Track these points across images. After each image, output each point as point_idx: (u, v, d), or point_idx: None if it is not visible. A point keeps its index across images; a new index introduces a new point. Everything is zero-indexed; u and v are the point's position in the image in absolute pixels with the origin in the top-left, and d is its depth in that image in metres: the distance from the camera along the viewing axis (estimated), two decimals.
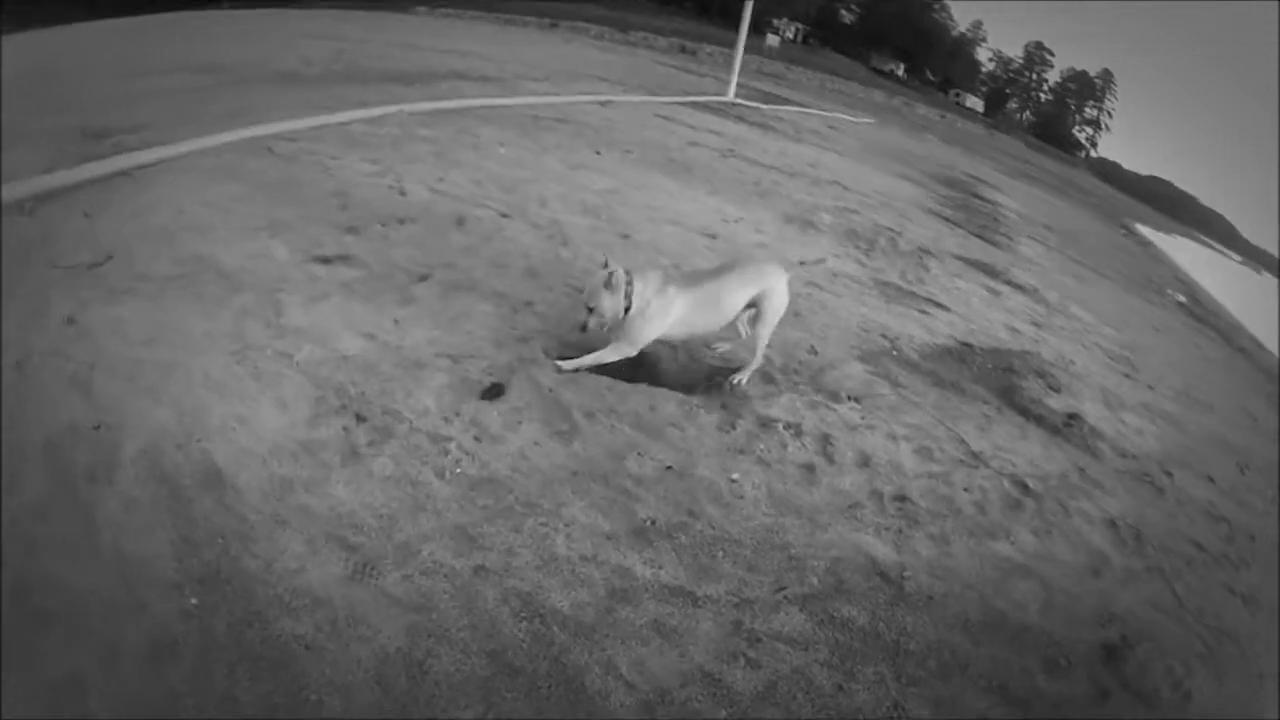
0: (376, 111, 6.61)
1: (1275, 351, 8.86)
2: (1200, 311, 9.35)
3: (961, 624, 2.62)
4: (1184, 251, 12.25)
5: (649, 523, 2.70)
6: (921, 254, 7.12)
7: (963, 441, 3.83)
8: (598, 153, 7.25)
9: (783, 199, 7.69)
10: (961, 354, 5.05)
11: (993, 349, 5.32)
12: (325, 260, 3.85)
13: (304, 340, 3.14)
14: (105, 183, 4.31)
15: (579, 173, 6.45)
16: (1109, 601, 2.92)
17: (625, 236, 5.30)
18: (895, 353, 4.68)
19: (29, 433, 2.40)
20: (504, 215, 5.06)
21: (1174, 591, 3.19)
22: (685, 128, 9.43)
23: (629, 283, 3.27)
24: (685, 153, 8.27)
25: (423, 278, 3.93)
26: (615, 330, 3.38)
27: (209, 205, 4.20)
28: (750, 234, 6.23)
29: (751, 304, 3.61)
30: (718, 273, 3.55)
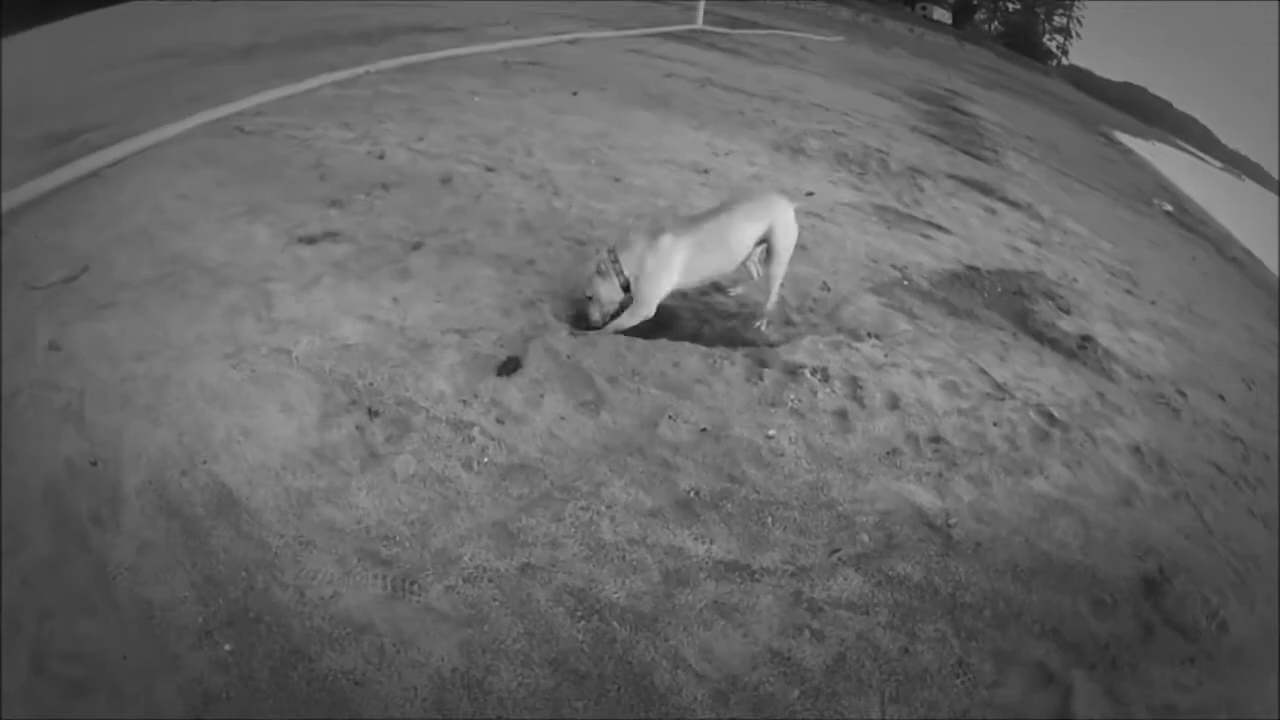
0: (343, 74, 6.20)
1: (1267, 261, 8.81)
2: (1189, 221, 9.25)
3: (1011, 570, 2.55)
4: (1163, 158, 12.05)
5: (693, 494, 2.56)
6: (914, 174, 6.90)
7: (985, 372, 3.71)
8: (575, 94, 6.87)
9: (768, 126, 7.38)
10: (970, 279, 4.92)
11: (999, 271, 5.19)
12: (311, 240, 3.58)
13: (300, 332, 2.90)
14: (76, 188, 3.97)
15: (560, 117, 6.10)
16: (1143, 532, 2.88)
17: (617, 180, 5.03)
18: (906, 282, 4.54)
19: (26, 478, 2.19)
20: (490, 169, 4.76)
21: (1203, 519, 3.13)
22: (658, 59, 9.00)
23: (614, 261, 3.12)
24: (662, 86, 7.89)
25: (416, 246, 3.67)
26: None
27: (185, 197, 3.88)
28: (743, 166, 5.97)
29: (761, 240, 3.41)
30: (719, 211, 3.32)
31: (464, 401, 2.69)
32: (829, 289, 4.15)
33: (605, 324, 3.24)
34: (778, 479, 2.72)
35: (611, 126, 6.18)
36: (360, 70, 6.34)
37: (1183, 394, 4.18)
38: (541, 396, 2.78)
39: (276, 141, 4.74)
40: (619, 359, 3.06)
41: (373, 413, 2.58)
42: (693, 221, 3.26)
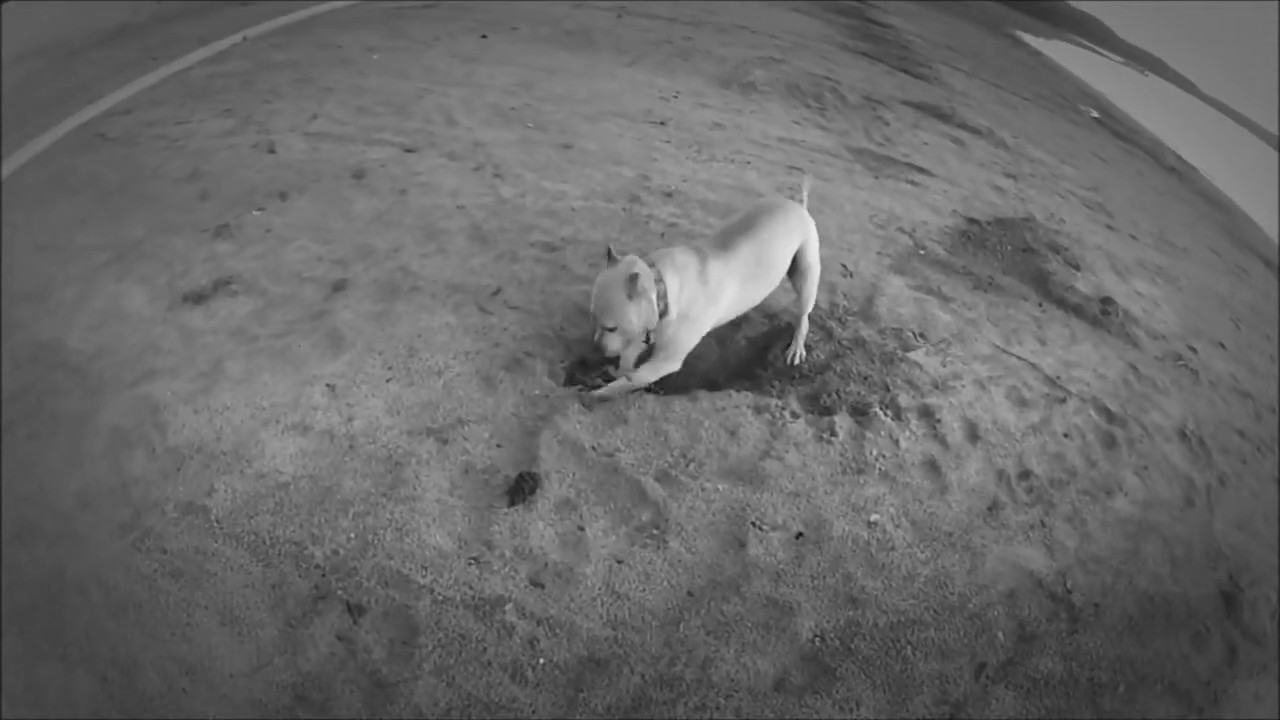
0: (215, 47, 4.91)
1: (1199, 166, 8.76)
2: (1120, 128, 9.07)
3: (1127, 626, 2.27)
4: (1070, 57, 11.87)
5: (817, 640, 1.93)
6: (873, 105, 6.24)
7: (1035, 366, 3.26)
8: (484, 36, 5.70)
9: (703, 56, 6.50)
10: (975, 236, 4.42)
11: (995, 220, 4.73)
12: (199, 298, 2.61)
13: (212, 469, 2.00)
14: None
15: (475, 68, 5.00)
16: (1209, 536, 2.68)
17: (566, 147, 4.10)
18: (922, 251, 3.99)
19: None
20: (409, 150, 3.73)
21: (1211, 512, 2.85)
22: None
23: (659, 279, 2.24)
24: (576, 18, 6.77)
25: (338, 287, 2.71)
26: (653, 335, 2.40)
27: (42, 249, 2.82)
28: (697, 110, 5.14)
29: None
30: (752, 227, 2.51)
31: (476, 560, 1.86)
32: (850, 274, 3.51)
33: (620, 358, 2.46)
34: (896, 583, 2.16)
35: (535, 74, 5.13)
36: (236, 38, 5.08)
37: (1193, 349, 3.92)
38: (581, 529, 1.98)
39: (144, 147, 3.57)
40: (660, 438, 2.30)
41: (354, 609, 1.72)
42: (731, 243, 2.45)
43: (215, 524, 1.88)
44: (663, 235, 3.42)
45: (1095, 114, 8.87)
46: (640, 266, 2.19)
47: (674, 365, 2.43)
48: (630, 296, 2.15)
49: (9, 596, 1.73)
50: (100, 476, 2.01)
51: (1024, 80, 9.42)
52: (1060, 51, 12.33)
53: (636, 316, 2.21)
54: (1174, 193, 7.56)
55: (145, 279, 2.70)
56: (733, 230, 2.52)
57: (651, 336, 2.36)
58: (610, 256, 2.24)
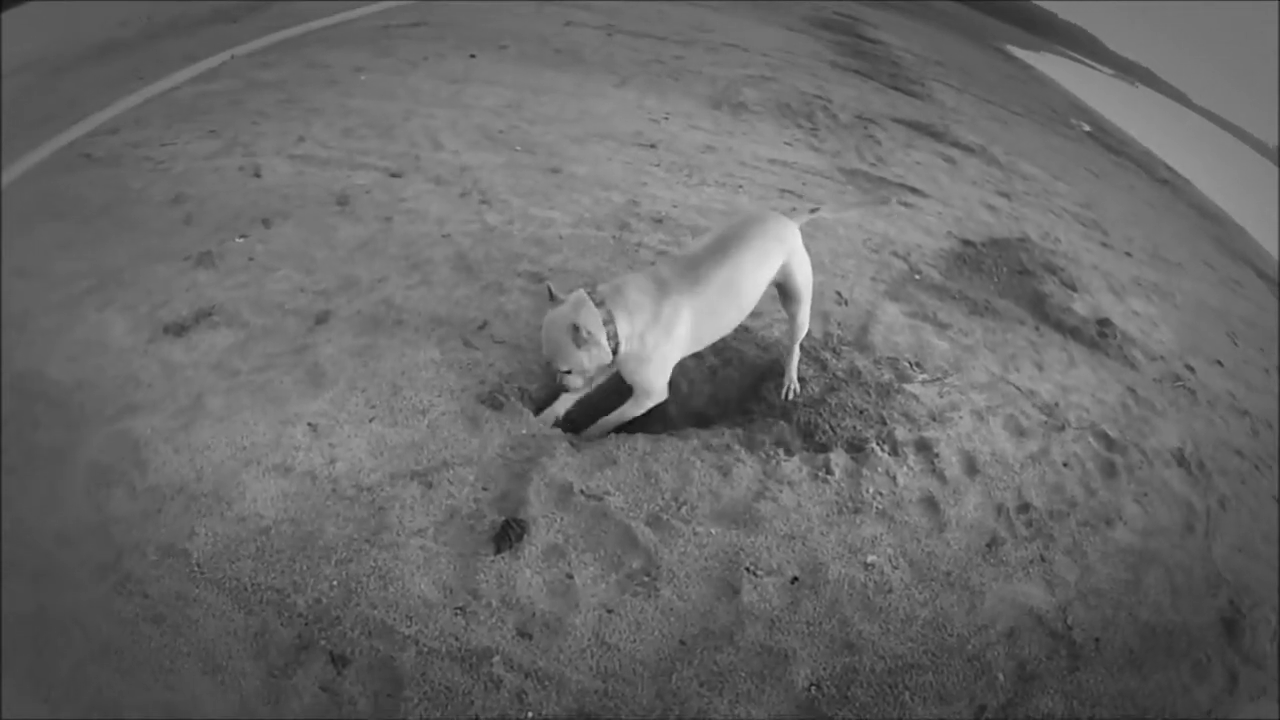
0: (203, 65, 4.91)
1: (1191, 177, 8.80)
2: (1112, 141, 9.09)
3: (1128, 661, 2.21)
4: (1059, 70, 11.92)
5: (813, 688, 1.87)
6: (865, 124, 6.23)
7: (1033, 393, 3.21)
8: (472, 56, 5.69)
9: (694, 76, 6.48)
10: (970, 258, 4.38)
11: (990, 240, 4.70)
12: (180, 329, 2.56)
13: (192, 511, 1.96)
14: None
15: (462, 89, 4.97)
16: (1209, 562, 2.66)
17: (554, 171, 4.06)
18: (917, 276, 3.94)
19: None
20: (394, 175, 3.69)
21: (1208, 532, 2.82)
22: (551, 5, 7.75)
23: (608, 320, 2.18)
24: (566, 37, 6.76)
25: (321, 319, 2.65)
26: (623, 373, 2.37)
27: (23, 273, 2.78)
28: (688, 132, 5.12)
29: (773, 282, 2.57)
30: (723, 251, 2.38)
31: (462, 610, 1.80)
32: (845, 301, 3.46)
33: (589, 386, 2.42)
34: (894, 626, 2.10)
35: (524, 94, 5.10)
36: (225, 56, 5.10)
37: (1190, 369, 3.89)
38: (570, 577, 1.92)
39: (129, 169, 3.54)
40: (651, 480, 2.24)
41: (338, 659, 1.67)
42: (696, 271, 2.33)
43: (196, 568, 1.83)
44: (652, 264, 3.38)
45: (1087, 128, 8.89)
46: (584, 312, 2.14)
47: (655, 399, 2.38)
48: (578, 345, 2.12)
49: None
50: (80, 515, 1.96)
51: (1014, 95, 9.46)
52: (1050, 65, 12.41)
53: (587, 359, 2.17)
54: (1167, 206, 7.57)
55: (126, 308, 2.65)
56: (701, 255, 2.39)
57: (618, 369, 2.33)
58: (552, 296, 2.20)
